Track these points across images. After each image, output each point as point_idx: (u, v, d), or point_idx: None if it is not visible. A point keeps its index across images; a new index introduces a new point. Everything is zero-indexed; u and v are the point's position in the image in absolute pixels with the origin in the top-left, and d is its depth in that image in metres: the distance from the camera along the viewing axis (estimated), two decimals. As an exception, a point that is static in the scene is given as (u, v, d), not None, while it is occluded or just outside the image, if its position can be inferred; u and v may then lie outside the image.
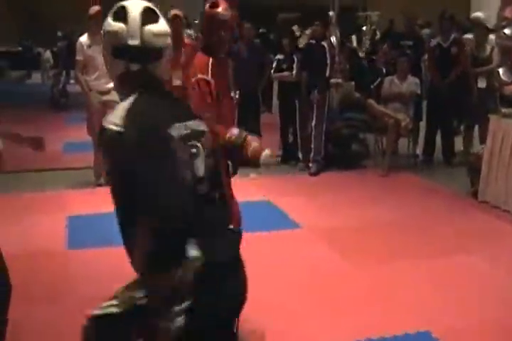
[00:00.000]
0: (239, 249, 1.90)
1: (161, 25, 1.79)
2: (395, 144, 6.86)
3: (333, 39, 8.39)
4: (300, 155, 7.00)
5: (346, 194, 5.89)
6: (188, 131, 1.78)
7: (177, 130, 1.74)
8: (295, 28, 9.18)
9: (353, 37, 13.12)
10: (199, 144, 1.80)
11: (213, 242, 1.75)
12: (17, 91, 14.11)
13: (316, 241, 4.61)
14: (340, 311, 3.48)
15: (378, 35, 12.83)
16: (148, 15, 1.77)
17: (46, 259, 4.20)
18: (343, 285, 3.83)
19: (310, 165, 6.76)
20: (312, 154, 6.73)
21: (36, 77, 17.28)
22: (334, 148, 7.08)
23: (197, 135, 1.81)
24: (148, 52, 1.77)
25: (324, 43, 6.84)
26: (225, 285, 1.77)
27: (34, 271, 3.98)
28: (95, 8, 6.04)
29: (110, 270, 3.87)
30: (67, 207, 5.37)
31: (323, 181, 6.44)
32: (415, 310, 3.45)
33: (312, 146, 6.72)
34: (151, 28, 1.75)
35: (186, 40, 6.07)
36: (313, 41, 6.84)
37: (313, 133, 6.72)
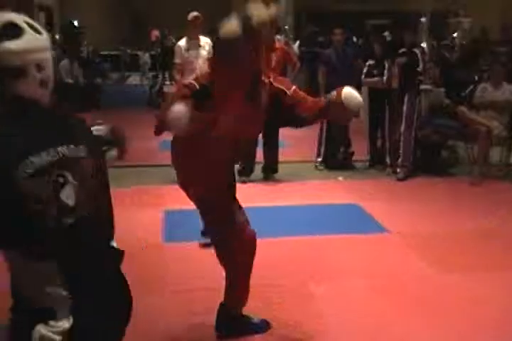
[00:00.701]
0: (118, 267, 1.94)
1: (25, 42, 1.65)
2: (486, 153, 6.77)
3: (424, 45, 8.36)
4: (388, 160, 7.05)
5: (434, 201, 5.88)
6: (55, 159, 1.64)
7: (39, 158, 1.61)
8: (386, 33, 9.21)
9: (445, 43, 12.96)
10: (67, 173, 1.66)
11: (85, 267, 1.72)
12: (117, 92, 14.89)
13: (402, 246, 4.66)
14: (423, 318, 3.47)
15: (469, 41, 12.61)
16: (8, 31, 1.63)
17: (142, 251, 4.40)
18: (427, 292, 3.82)
19: (398, 170, 6.79)
20: (400, 159, 6.77)
21: (135, 79, 18.19)
22: (423, 154, 7.08)
23: (68, 163, 1.67)
24: (4, 71, 1.63)
25: (416, 50, 6.85)
26: (104, 305, 1.74)
27: (130, 263, 4.20)
28: (194, 14, 6.36)
29: (203, 264, 4.12)
30: (164, 201, 5.68)
31: (411, 187, 6.46)
32: (502, 327, 3.36)
33: (400, 152, 6.76)
34: (9, 44, 1.62)
35: (277, 45, 6.30)
36: (405, 49, 6.87)
37: (401, 138, 6.76)
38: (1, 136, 1.60)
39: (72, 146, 1.69)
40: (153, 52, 17.34)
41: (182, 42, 6.45)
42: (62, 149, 1.66)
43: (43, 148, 1.63)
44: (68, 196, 1.66)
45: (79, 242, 1.70)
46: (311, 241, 4.62)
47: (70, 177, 1.67)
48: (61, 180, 1.65)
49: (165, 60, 13.55)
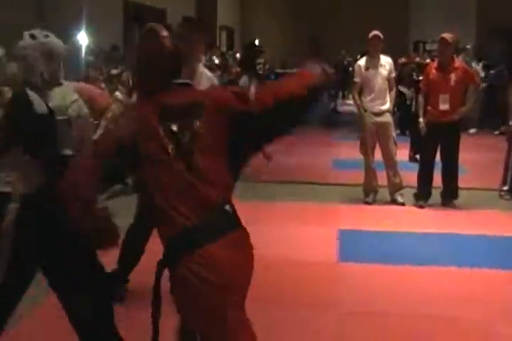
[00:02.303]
0: None
1: None
2: None
3: None
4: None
5: None
6: None
7: None
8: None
9: None
10: None
11: None
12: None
13: None
14: None
15: None
16: None
17: (316, 269, 4.41)
18: None
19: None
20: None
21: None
22: None
23: None
24: None
25: None
26: None
27: (303, 279, 4.19)
28: (374, 33, 6.31)
29: (378, 287, 4.04)
30: (338, 220, 5.66)
31: None
32: None
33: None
34: None
35: (457, 64, 6.06)
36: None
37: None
38: None
39: None
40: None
41: (362, 61, 6.45)
42: None
43: None
44: None
45: None
46: (493, 275, 4.33)
47: None
48: None
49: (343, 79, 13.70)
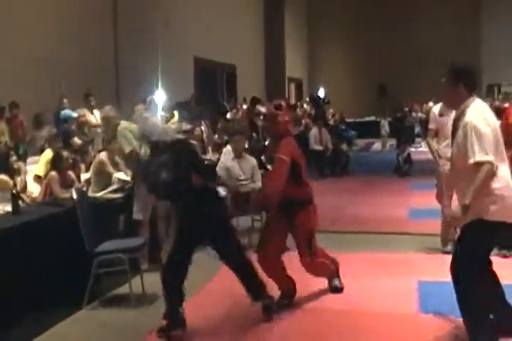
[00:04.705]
0: None
1: None
2: None
3: None
4: None
5: None
6: None
7: None
8: None
9: None
10: None
11: None
12: (363, 158, 15.17)
13: None
14: None
15: None
16: None
17: (396, 321, 4.31)
18: None
19: None
20: None
21: (378, 145, 18.45)
22: None
23: None
24: None
25: None
26: None
27: (384, 332, 4.12)
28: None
29: (462, 339, 3.84)
30: (416, 271, 5.48)
31: None
32: None
33: None
34: None
35: None
36: None
37: None
38: None
39: None
40: (389, 119, 17.61)
41: (436, 108, 6.39)
42: None
43: None
44: None
45: None
46: None
47: None
48: None
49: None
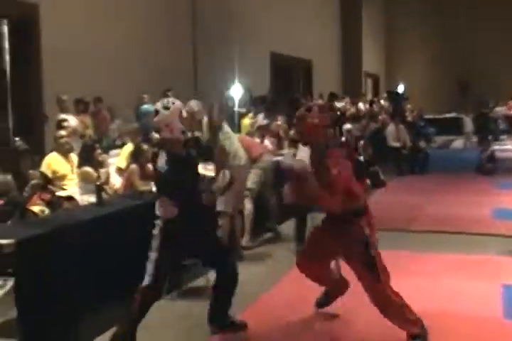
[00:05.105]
0: None
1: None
2: None
3: None
4: None
5: None
6: None
7: None
8: None
9: None
10: None
11: None
12: (443, 156, 14.71)
13: None
14: None
15: None
16: None
17: (479, 326, 4.14)
18: None
19: None
20: None
21: (459, 143, 17.86)
22: None
23: None
24: None
25: None
26: None
27: (466, 334, 3.99)
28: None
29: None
30: (500, 274, 5.24)
31: None
32: None
33: None
34: None
35: None
36: None
37: None
38: None
39: None
40: (472, 115, 16.95)
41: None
42: None
43: None
44: None
45: None
46: None
47: None
48: None
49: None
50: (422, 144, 12.94)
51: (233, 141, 5.82)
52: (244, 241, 6.44)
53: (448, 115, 20.54)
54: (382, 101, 18.10)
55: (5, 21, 7.99)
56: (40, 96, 8.23)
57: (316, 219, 6.84)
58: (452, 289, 4.88)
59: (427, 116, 18.51)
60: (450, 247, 6.18)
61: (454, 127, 18.18)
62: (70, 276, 4.00)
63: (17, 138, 5.55)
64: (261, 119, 9.65)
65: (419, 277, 5.19)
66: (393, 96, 18.61)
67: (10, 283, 3.82)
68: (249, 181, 6.37)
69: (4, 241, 3.59)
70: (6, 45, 8.03)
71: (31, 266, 3.77)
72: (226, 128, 5.82)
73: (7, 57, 8.04)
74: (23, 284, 3.71)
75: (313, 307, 4.41)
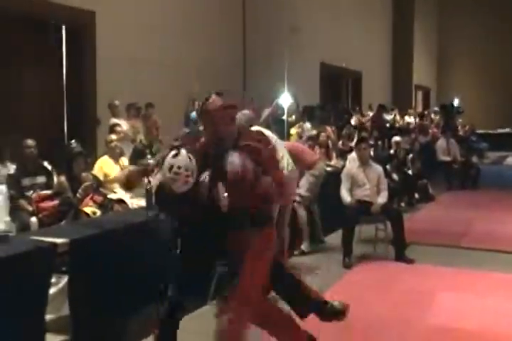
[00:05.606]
0: None
1: None
2: None
3: None
4: None
5: None
6: None
7: None
8: None
9: None
10: None
11: None
12: (496, 172, 14.34)
13: None
14: None
15: None
16: None
17: None
18: None
19: None
20: None
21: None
22: None
23: None
24: None
25: None
26: None
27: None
28: None
29: None
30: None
31: None
32: None
33: None
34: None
35: None
36: None
37: None
38: None
39: None
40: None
41: None
42: None
43: None
44: None
45: None
46: None
47: None
48: None
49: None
50: (474, 159, 12.68)
51: (279, 148, 5.81)
52: (305, 246, 6.41)
53: (501, 130, 20.09)
54: (432, 115, 17.84)
55: (63, 27, 8.21)
56: (93, 101, 8.43)
57: (363, 231, 6.81)
58: (498, 309, 4.73)
59: (479, 131, 18.14)
60: (501, 266, 6.00)
61: (507, 143, 17.74)
62: (119, 277, 4.04)
63: (72, 141, 5.65)
64: (307, 129, 9.63)
65: (466, 293, 5.09)
66: (448, 109, 18.23)
67: (63, 280, 3.90)
68: (301, 188, 6.34)
69: (59, 241, 3.66)
70: (63, 49, 8.25)
71: (83, 265, 3.84)
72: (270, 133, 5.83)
73: (64, 62, 8.25)
74: (75, 282, 3.78)
75: (358, 321, 4.35)
